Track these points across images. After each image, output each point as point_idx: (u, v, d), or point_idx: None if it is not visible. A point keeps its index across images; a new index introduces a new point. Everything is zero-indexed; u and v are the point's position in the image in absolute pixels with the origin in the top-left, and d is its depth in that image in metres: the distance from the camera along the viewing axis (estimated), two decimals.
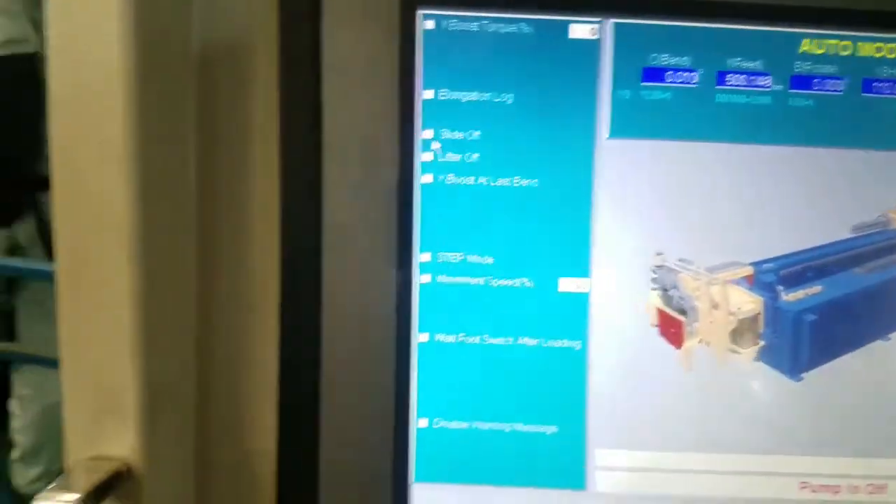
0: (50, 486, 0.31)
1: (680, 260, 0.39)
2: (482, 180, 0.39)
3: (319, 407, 0.40)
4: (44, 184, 1.59)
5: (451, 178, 0.39)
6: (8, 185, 1.54)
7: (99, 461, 0.34)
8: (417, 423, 0.40)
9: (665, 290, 0.39)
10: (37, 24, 1.48)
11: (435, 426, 0.40)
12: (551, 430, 0.40)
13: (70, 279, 0.34)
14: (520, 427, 0.40)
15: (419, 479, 0.40)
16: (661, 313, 0.39)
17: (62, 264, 0.34)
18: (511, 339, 0.40)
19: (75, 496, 0.31)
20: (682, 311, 0.39)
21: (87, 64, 0.33)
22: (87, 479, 0.32)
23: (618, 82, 0.39)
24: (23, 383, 1.83)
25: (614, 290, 0.39)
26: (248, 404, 0.41)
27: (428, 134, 0.39)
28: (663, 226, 0.39)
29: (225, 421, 0.41)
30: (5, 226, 1.58)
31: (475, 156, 0.39)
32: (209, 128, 0.39)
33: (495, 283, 0.40)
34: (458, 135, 0.39)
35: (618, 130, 0.39)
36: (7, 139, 1.48)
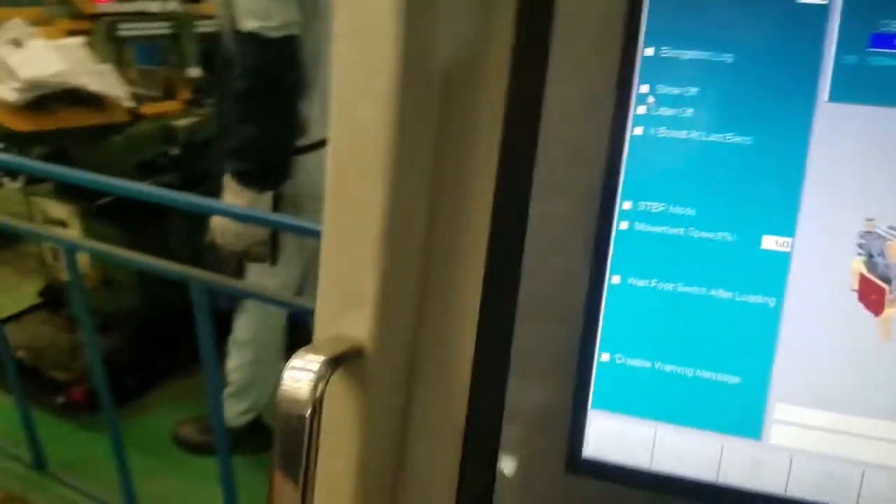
0: (302, 349, 0.39)
1: (890, 227, 0.39)
2: (694, 135, 0.42)
3: (513, 330, 0.44)
4: (300, 152, 1.82)
5: (662, 132, 0.42)
6: (276, 153, 1.77)
7: (339, 339, 0.42)
8: (600, 356, 0.43)
9: (870, 256, 0.39)
10: (302, 10, 1.68)
11: (617, 361, 0.43)
12: (734, 380, 0.41)
13: (336, 197, 0.42)
14: (702, 373, 0.42)
15: (596, 406, 0.44)
16: (864, 279, 0.39)
17: (331, 186, 0.42)
18: (704, 290, 0.42)
19: (320, 358, 0.39)
20: (886, 279, 0.39)
21: (366, 51, 0.40)
22: (329, 349, 0.40)
23: (844, 47, 0.39)
24: (243, 327, 2.09)
25: (817, 252, 0.40)
26: (453, 323, 0.47)
27: (644, 89, 0.42)
28: (876, 192, 0.39)
29: (433, 336, 0.47)
30: (270, 189, 1.82)
31: (689, 111, 0.42)
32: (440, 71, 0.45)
33: (696, 234, 0.42)
34: (674, 90, 0.42)
35: (839, 95, 0.40)
36: (274, 111, 1.70)
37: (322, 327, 0.43)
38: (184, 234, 2.21)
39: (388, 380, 0.44)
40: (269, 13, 1.62)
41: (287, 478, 0.38)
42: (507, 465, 0.45)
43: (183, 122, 2.55)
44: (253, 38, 1.63)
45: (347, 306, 0.42)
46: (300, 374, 0.38)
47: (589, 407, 0.44)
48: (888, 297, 0.39)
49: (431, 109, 0.43)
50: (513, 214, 0.44)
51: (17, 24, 2.23)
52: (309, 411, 0.37)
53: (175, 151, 2.52)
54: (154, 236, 2.27)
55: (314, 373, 0.38)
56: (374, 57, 0.39)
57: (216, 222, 1.79)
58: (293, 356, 0.39)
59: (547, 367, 0.44)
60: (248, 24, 1.63)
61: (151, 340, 2.55)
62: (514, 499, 0.45)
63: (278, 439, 0.38)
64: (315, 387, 0.38)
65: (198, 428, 2.26)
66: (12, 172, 2.34)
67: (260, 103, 1.68)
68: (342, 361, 0.40)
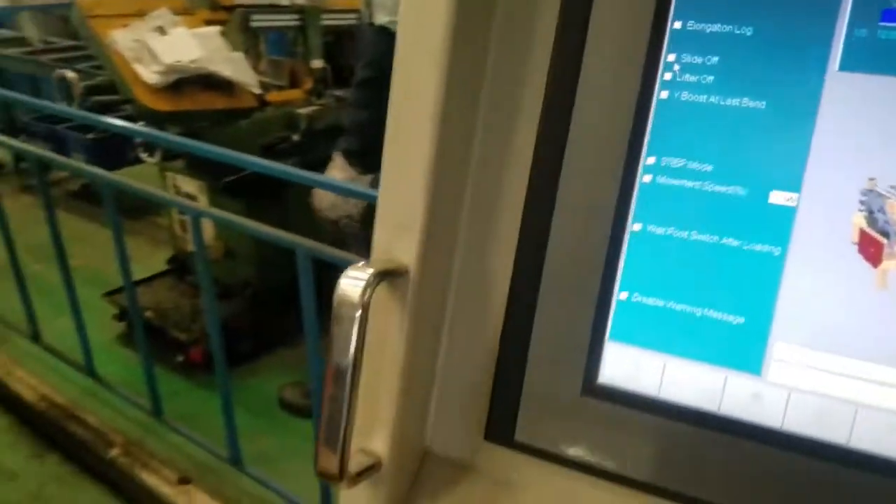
0: (358, 264, 0.47)
1: (891, 186, 0.42)
2: (714, 99, 0.46)
3: (544, 267, 0.50)
4: None
5: (685, 96, 0.47)
6: (380, 140, 1.90)
7: (390, 260, 0.49)
8: (619, 294, 0.49)
9: (871, 212, 0.42)
10: None
11: (633, 300, 0.48)
12: (739, 320, 0.45)
13: (392, 144, 0.50)
14: (710, 313, 0.46)
15: (612, 338, 0.49)
16: (864, 233, 0.43)
17: (389, 134, 0.50)
18: (716, 238, 0.46)
19: (371, 270, 0.46)
20: (885, 234, 0.42)
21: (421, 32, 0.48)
22: (380, 265, 0.48)
23: (856, 21, 0.43)
24: None
25: (821, 206, 0.44)
26: (491, 256, 0.53)
27: (671, 58, 0.47)
28: (879, 153, 0.42)
29: (473, 264, 0.54)
30: (370, 172, 1.94)
31: (710, 78, 0.46)
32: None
33: (710, 188, 0.46)
34: (697, 59, 0.46)
35: (849, 65, 0.43)
36: (386, 103, 1.82)
37: (378, 249, 0.51)
38: (300, 213, 2.37)
39: (428, 297, 0.51)
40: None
41: (339, 367, 0.45)
42: (531, 384, 0.51)
43: (305, 111, 2.73)
44: (383, 32, 1.75)
45: (399, 235, 0.50)
46: (354, 281, 0.46)
47: (606, 338, 0.49)
48: (886, 250, 0.42)
49: (480, 64, 0.50)
50: (549, 164, 0.50)
51: (163, 13, 2.46)
52: (359, 312, 0.45)
53: (296, 137, 2.70)
54: (272, 213, 2.45)
55: (364, 280, 0.46)
56: (429, 16, 0.47)
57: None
58: (350, 267, 0.47)
59: (572, 301, 0.50)
60: (381, 17, 1.75)
61: (265, 310, 2.74)
62: (535, 415, 0.51)
63: (333, 334, 0.46)
64: (364, 291, 0.45)
65: (300, 392, 2.43)
66: (150, 148, 2.58)
67: (375, 92, 1.80)
68: (389, 276, 0.48)
